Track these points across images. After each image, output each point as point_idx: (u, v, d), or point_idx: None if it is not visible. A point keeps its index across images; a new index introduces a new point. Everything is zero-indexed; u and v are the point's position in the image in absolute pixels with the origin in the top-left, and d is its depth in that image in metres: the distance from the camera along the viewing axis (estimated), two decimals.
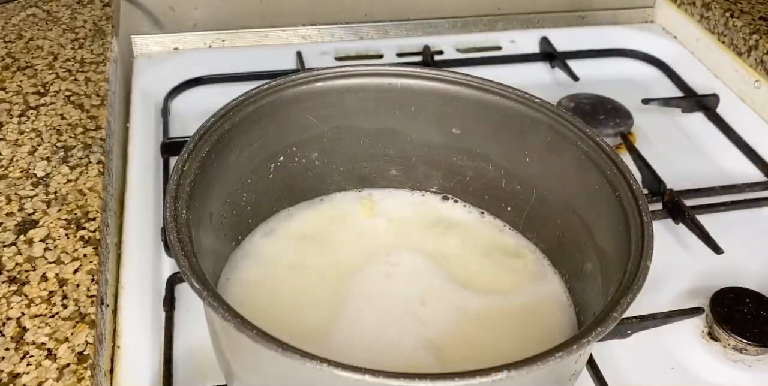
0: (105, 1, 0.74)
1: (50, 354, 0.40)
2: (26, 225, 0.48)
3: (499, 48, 0.83)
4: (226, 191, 0.46)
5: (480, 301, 0.46)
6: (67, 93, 0.60)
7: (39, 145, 0.54)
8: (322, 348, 0.42)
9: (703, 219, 0.58)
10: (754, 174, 0.68)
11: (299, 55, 0.77)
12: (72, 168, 0.53)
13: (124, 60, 0.75)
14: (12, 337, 0.40)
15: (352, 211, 0.53)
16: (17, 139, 0.55)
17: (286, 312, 0.45)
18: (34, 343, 0.40)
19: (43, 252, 0.46)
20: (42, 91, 0.60)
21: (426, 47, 0.79)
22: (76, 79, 0.62)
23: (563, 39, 0.83)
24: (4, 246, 0.46)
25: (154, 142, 0.65)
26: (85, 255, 0.46)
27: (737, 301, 0.51)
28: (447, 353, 0.43)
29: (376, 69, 0.49)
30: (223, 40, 0.81)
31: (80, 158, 0.53)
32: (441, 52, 0.81)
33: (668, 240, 0.59)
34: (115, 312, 0.49)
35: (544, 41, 0.83)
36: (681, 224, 0.59)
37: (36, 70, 0.63)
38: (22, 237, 0.47)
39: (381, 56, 0.81)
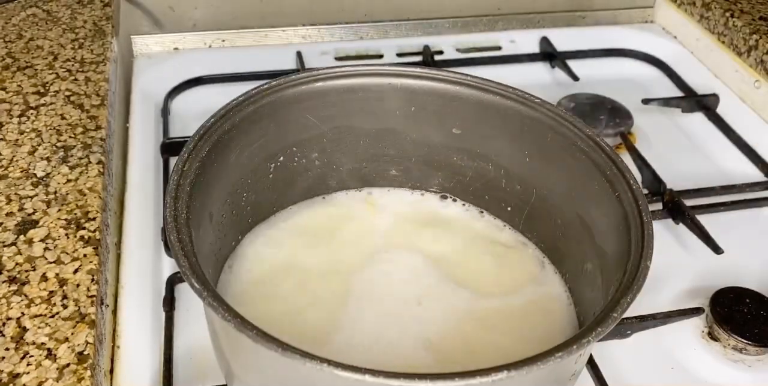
0: (105, 1, 0.74)
1: (50, 354, 0.40)
2: (26, 225, 0.48)
3: (499, 48, 0.83)
4: (226, 191, 0.46)
5: (480, 301, 0.46)
6: (67, 93, 0.60)
7: (39, 145, 0.54)
8: (322, 348, 0.42)
9: (703, 219, 0.58)
10: (754, 174, 0.68)
11: (299, 55, 0.77)
12: (72, 168, 0.53)
13: (124, 60, 0.75)
14: (12, 337, 0.40)
15: (352, 211, 0.53)
16: (17, 139, 0.55)
17: (286, 312, 0.45)
18: (34, 343, 0.40)
19: (43, 252, 0.46)
20: (42, 91, 0.60)
21: (426, 47, 0.79)
22: (76, 79, 0.62)
23: (563, 39, 0.83)
24: (4, 246, 0.46)
25: (154, 142, 0.65)
26: (85, 255, 0.46)
27: (737, 301, 0.51)
28: (447, 353, 0.43)
29: (376, 69, 0.49)
30: (223, 40, 0.81)
31: (80, 158, 0.53)
32: (441, 52, 0.81)
33: (668, 240, 0.59)
34: (115, 312, 0.49)
35: (544, 41, 0.83)
36: (681, 224, 0.59)
37: (36, 70, 0.63)
38: (22, 237, 0.47)
39: (381, 56, 0.81)
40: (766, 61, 0.72)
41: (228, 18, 0.81)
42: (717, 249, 0.56)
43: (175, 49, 0.80)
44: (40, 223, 0.48)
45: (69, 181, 0.51)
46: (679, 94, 0.78)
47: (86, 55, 0.65)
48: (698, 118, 0.75)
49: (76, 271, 0.45)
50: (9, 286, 0.43)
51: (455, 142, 0.51)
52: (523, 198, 0.50)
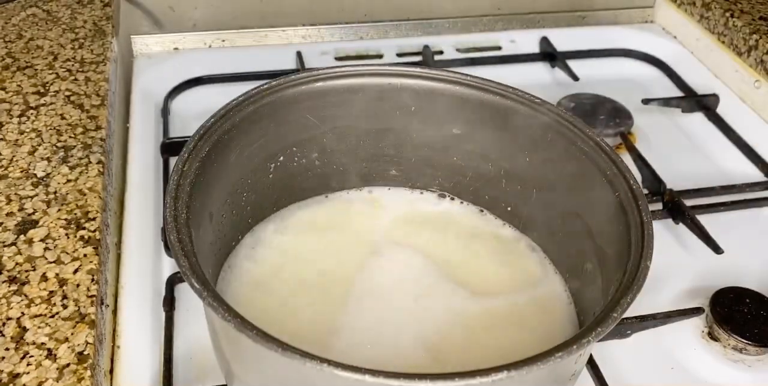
0: (105, 1, 0.74)
1: (50, 354, 0.40)
2: (26, 225, 0.48)
3: (499, 48, 0.83)
4: (226, 191, 0.46)
5: (480, 301, 0.46)
6: (67, 93, 0.60)
7: (39, 145, 0.54)
8: (322, 348, 0.42)
9: (703, 219, 0.58)
10: (754, 174, 0.68)
11: (299, 55, 0.77)
12: (72, 168, 0.53)
13: (124, 60, 0.75)
14: (12, 337, 0.40)
15: (352, 210, 0.53)
16: (17, 139, 0.55)
17: (286, 312, 0.45)
18: (34, 343, 0.40)
19: (43, 252, 0.46)
20: (42, 91, 0.60)
21: (426, 47, 0.79)
22: (76, 79, 0.62)
23: (563, 39, 0.82)
24: (4, 246, 0.46)
25: (154, 142, 0.65)
26: (85, 255, 0.46)
27: (737, 301, 0.51)
28: (447, 353, 0.43)
29: (376, 69, 0.49)
30: (223, 40, 0.81)
31: (80, 158, 0.53)
32: (441, 52, 0.81)
33: (668, 240, 0.59)
34: (115, 312, 0.49)
35: (544, 41, 0.83)
36: (681, 224, 0.59)
37: (36, 70, 0.63)
38: (22, 237, 0.47)
39: (381, 56, 0.81)
40: (766, 61, 0.72)
41: (228, 18, 0.81)
42: (717, 249, 0.56)
43: (175, 49, 0.80)
44: (40, 223, 0.48)
45: (69, 181, 0.51)
46: (679, 94, 0.78)
47: (86, 55, 0.65)
48: (698, 118, 0.75)
49: (76, 271, 0.45)
50: (9, 286, 0.43)
51: (455, 142, 0.51)
52: (523, 198, 0.50)
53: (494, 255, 0.50)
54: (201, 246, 0.40)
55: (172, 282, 0.51)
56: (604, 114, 0.70)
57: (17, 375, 0.38)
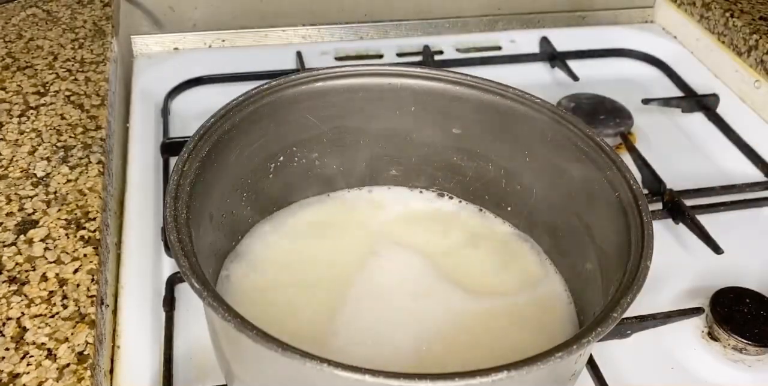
0: (105, 1, 0.74)
1: (50, 354, 0.40)
2: (26, 225, 0.48)
3: (499, 48, 0.83)
4: (226, 191, 0.46)
5: (480, 301, 0.46)
6: (67, 93, 0.60)
7: (39, 145, 0.54)
8: (321, 347, 0.42)
9: (703, 219, 0.58)
10: (754, 174, 0.68)
11: (299, 55, 0.77)
12: (72, 168, 0.53)
13: (124, 60, 0.75)
14: (12, 337, 0.40)
15: (352, 210, 0.53)
16: (17, 139, 0.55)
17: (286, 311, 0.45)
18: (34, 343, 0.40)
19: (43, 252, 0.46)
20: (42, 91, 0.60)
21: (426, 47, 0.79)
22: (76, 79, 0.62)
23: (563, 39, 0.82)
24: (4, 246, 0.46)
25: (154, 142, 0.65)
26: (85, 255, 0.46)
27: (737, 301, 0.51)
28: (446, 353, 0.43)
29: (376, 69, 0.49)
30: (223, 40, 0.81)
31: (80, 158, 0.53)
32: (441, 52, 0.81)
33: (668, 240, 0.59)
34: (115, 312, 0.49)
35: (544, 41, 0.83)
36: (681, 224, 0.59)
37: (36, 70, 0.63)
38: (22, 237, 0.47)
39: (381, 56, 0.81)
40: (766, 61, 0.72)
41: (228, 18, 0.81)
42: (717, 249, 0.56)
43: (175, 49, 0.80)
44: (40, 223, 0.48)
45: (69, 181, 0.51)
46: (679, 94, 0.78)
47: (86, 55, 0.65)
48: (698, 118, 0.75)
49: (76, 271, 0.45)
50: (9, 286, 0.43)
51: (455, 142, 0.51)
52: (523, 198, 0.50)
53: (494, 255, 0.50)
54: (201, 246, 0.40)
55: (172, 282, 0.51)
56: (604, 114, 0.70)
57: (17, 375, 0.38)
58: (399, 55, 0.81)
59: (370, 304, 0.46)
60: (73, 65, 0.64)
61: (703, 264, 0.57)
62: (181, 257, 0.35)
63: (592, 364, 0.47)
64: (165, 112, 0.69)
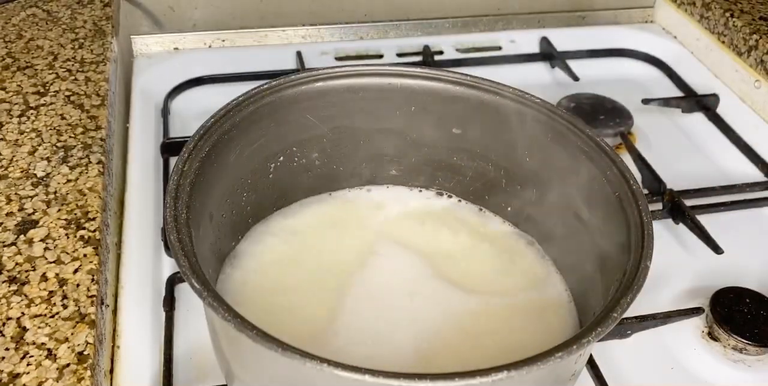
0: (105, 1, 0.74)
1: (50, 354, 0.40)
2: (26, 225, 0.48)
3: (499, 48, 0.83)
4: (226, 191, 0.46)
5: (480, 301, 0.46)
6: (67, 93, 0.60)
7: (39, 145, 0.54)
8: (321, 347, 0.42)
9: (703, 219, 0.58)
10: (754, 174, 0.68)
11: (299, 55, 0.77)
12: (72, 168, 0.53)
13: (124, 60, 0.75)
14: (12, 337, 0.40)
15: (351, 210, 0.53)
16: (17, 139, 0.55)
17: (286, 312, 0.45)
18: (34, 343, 0.40)
19: (43, 252, 0.46)
20: (42, 91, 0.60)
21: (426, 47, 0.79)
22: (76, 79, 0.62)
23: (563, 39, 0.82)
24: (4, 246, 0.46)
25: (154, 142, 0.65)
26: (85, 255, 0.46)
27: (737, 301, 0.51)
28: (446, 352, 0.43)
29: (376, 69, 0.49)
30: (223, 40, 0.81)
31: (80, 158, 0.53)
32: (441, 52, 0.81)
33: (668, 240, 0.59)
34: (115, 312, 0.49)
35: (544, 41, 0.83)
36: (681, 224, 0.59)
37: (36, 70, 0.63)
38: (22, 237, 0.47)
39: (381, 56, 0.81)
40: (766, 61, 0.72)
41: (228, 18, 0.81)
42: (717, 249, 0.56)
43: (175, 49, 0.80)
44: (40, 223, 0.48)
45: (69, 181, 0.51)
46: (679, 94, 0.78)
47: (86, 55, 0.65)
48: (698, 118, 0.75)
49: (76, 271, 0.45)
50: (9, 286, 0.43)
51: (455, 142, 0.51)
52: (522, 197, 0.50)
53: (494, 255, 0.50)
54: (201, 246, 0.40)
55: (172, 282, 0.51)
56: (604, 114, 0.70)
57: (17, 375, 0.38)
58: (399, 55, 0.81)
59: (369, 304, 0.46)
60: (73, 65, 0.64)
61: (703, 264, 0.57)
62: (181, 257, 0.35)
63: (592, 364, 0.47)
64: (165, 112, 0.69)
